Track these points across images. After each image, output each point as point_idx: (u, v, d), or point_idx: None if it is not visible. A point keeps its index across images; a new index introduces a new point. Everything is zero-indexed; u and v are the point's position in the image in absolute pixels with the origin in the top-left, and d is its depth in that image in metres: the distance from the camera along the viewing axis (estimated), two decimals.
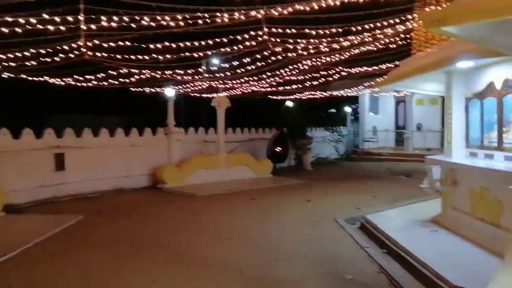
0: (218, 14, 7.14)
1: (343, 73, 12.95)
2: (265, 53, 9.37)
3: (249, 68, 10.66)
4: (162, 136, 13.90)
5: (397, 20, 8.06)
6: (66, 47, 7.88)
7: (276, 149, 16.83)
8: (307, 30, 8.36)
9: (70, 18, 6.76)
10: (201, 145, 15.11)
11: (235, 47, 8.98)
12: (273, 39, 8.37)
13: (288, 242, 7.13)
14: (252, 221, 8.65)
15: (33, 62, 8.77)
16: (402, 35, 9.22)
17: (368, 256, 6.30)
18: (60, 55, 8.40)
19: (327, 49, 9.04)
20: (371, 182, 14.07)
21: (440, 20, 3.62)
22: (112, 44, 8.17)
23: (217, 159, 14.20)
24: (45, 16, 6.63)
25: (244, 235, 7.64)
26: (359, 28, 8.27)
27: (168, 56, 9.24)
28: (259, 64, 10.35)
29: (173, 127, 13.95)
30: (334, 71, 12.49)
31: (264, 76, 11.95)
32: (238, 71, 10.99)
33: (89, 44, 7.81)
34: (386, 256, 6.37)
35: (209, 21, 7.33)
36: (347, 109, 25.15)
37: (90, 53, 8.25)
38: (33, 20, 6.67)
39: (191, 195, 11.68)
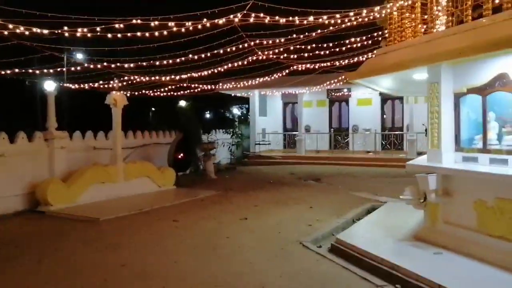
0: None
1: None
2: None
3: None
4: (41, 142, 10.56)
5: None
6: None
7: (178, 156, 14.50)
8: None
9: None
10: (90, 153, 12.03)
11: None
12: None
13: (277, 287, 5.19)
14: (201, 257, 6.41)
15: None
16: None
17: None
18: None
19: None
20: (289, 190, 12.75)
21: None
22: None
23: (115, 171, 11.36)
24: None
25: (211, 283, 5.40)
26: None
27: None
28: None
29: (55, 130, 10.73)
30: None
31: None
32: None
33: None
34: None
35: None
36: (236, 110, 23.93)
37: None
38: None
39: (92, 220, 8.82)
